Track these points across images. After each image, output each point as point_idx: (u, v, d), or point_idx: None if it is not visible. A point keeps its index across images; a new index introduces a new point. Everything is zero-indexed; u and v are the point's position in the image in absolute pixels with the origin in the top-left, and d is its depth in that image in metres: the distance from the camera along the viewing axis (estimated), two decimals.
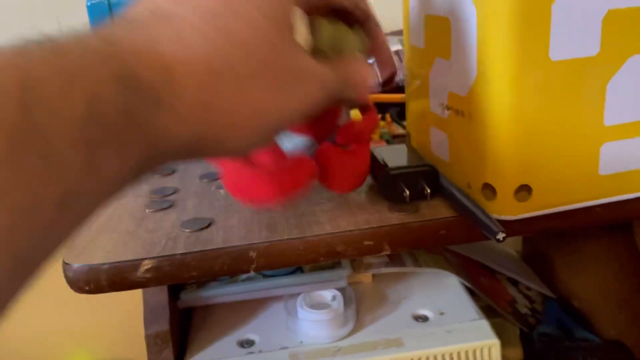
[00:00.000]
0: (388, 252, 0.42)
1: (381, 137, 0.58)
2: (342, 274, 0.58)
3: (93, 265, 0.39)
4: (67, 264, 0.40)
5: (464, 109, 0.41)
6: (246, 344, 0.56)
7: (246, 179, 0.38)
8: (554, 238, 0.77)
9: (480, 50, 0.38)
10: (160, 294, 0.52)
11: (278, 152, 0.40)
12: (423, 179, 0.43)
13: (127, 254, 0.40)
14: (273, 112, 0.29)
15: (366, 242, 0.41)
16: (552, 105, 0.37)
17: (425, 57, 0.46)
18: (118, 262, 0.39)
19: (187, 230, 0.43)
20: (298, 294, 0.57)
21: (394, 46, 0.66)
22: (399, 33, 0.72)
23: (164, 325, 0.51)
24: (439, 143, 0.46)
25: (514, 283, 0.78)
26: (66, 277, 0.40)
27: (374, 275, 0.64)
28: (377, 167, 0.46)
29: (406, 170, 0.44)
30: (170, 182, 0.54)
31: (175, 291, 0.57)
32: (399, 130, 0.61)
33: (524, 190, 0.39)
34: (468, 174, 0.42)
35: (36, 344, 0.86)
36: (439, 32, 0.43)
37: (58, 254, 0.40)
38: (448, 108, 0.43)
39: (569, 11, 0.35)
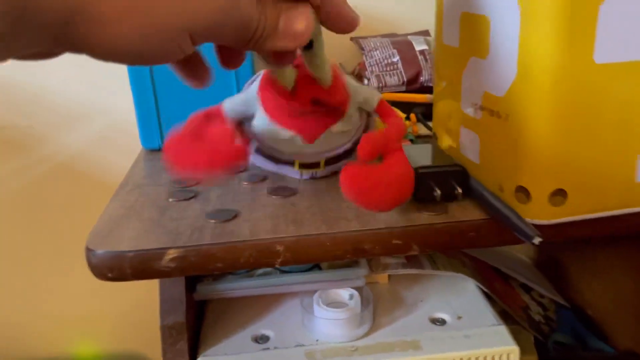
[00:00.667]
0: (416, 253, 0.41)
1: (406, 137, 0.57)
2: (360, 273, 0.58)
3: (117, 252, 0.39)
4: (90, 249, 0.39)
5: (500, 110, 0.40)
6: (260, 339, 0.55)
7: (183, 149, 0.39)
8: (569, 245, 0.76)
9: (522, 50, 0.37)
10: (177, 285, 0.51)
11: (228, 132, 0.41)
12: (453, 179, 0.43)
13: (151, 243, 0.39)
14: (165, 11, 0.25)
15: (395, 241, 0.40)
16: (593, 109, 0.37)
17: (459, 57, 0.46)
18: (143, 250, 0.39)
19: (212, 221, 0.42)
20: (314, 292, 0.57)
21: (419, 46, 0.65)
22: (423, 33, 0.71)
23: (180, 317, 0.51)
24: (469, 144, 0.46)
25: (527, 290, 0.78)
26: (89, 263, 0.39)
27: (390, 276, 0.64)
28: None
29: (436, 169, 0.43)
30: None
31: (191, 283, 0.56)
32: (423, 130, 0.60)
33: (559, 195, 0.38)
34: (500, 176, 0.41)
35: (41, 331, 0.85)
36: (476, 31, 0.42)
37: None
38: (482, 108, 0.43)
39: (617, 13, 0.35)
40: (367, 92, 0.46)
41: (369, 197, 0.38)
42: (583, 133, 0.37)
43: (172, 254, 0.39)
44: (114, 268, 0.39)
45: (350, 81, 0.47)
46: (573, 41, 0.35)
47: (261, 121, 0.46)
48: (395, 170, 0.39)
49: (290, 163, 0.49)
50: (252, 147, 0.49)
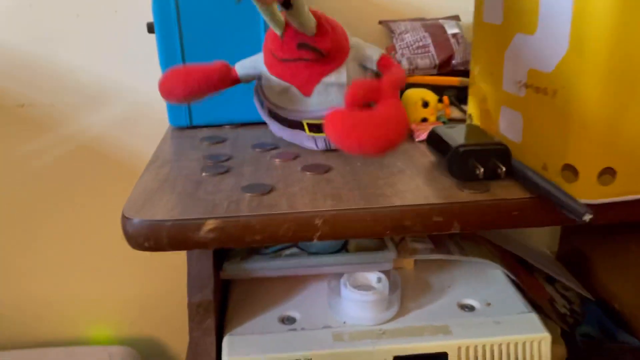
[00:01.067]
0: (457, 231, 0.40)
1: (438, 119, 0.56)
2: (388, 257, 0.57)
3: (155, 221, 0.38)
4: (127, 218, 0.38)
5: (548, 86, 0.39)
6: (287, 320, 0.54)
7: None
8: (594, 238, 0.75)
9: (575, 23, 0.36)
10: (205, 262, 0.51)
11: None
12: (495, 157, 0.42)
13: (189, 213, 0.39)
14: None
15: (435, 219, 0.40)
16: None
17: (502, 34, 0.45)
18: (181, 219, 0.38)
19: (248, 194, 0.42)
20: (341, 274, 0.56)
21: (451, 29, 0.64)
22: (453, 18, 0.70)
23: (208, 295, 0.50)
24: (510, 123, 0.45)
25: (551, 282, 0.77)
26: (125, 232, 0.39)
27: (415, 262, 0.63)
28: (442, 143, 0.45)
29: (478, 147, 0.42)
30: (222, 149, 0.53)
31: (217, 262, 0.55)
32: (455, 113, 0.59)
33: (607, 174, 0.37)
34: (545, 155, 0.41)
35: (59, 312, 0.85)
36: (524, 7, 0.41)
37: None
38: (526, 86, 0.42)
39: None
40: (368, 48, 0.48)
41: (350, 137, 0.37)
42: (636, 110, 0.36)
43: (210, 224, 0.38)
44: (151, 237, 0.38)
45: (354, 38, 0.49)
46: (630, 14, 0.34)
47: (265, 78, 0.49)
48: (382, 112, 0.38)
49: (301, 127, 0.49)
50: (265, 110, 0.51)
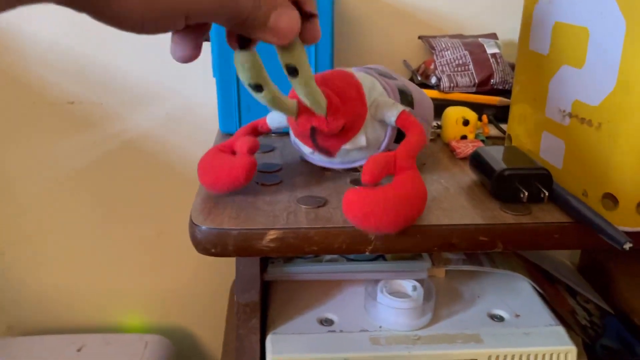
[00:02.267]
0: (500, 250, 0.43)
1: (476, 137, 0.59)
2: (424, 266, 0.60)
3: (222, 229, 0.41)
4: (196, 225, 0.42)
5: (593, 118, 0.42)
6: (325, 322, 0.57)
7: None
8: (616, 252, 0.77)
9: (624, 62, 0.38)
10: (253, 265, 0.54)
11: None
12: (538, 182, 0.44)
13: (252, 223, 0.42)
14: None
15: (481, 238, 0.42)
16: None
17: (548, 64, 0.47)
18: (246, 229, 0.41)
19: (304, 207, 0.45)
20: (377, 281, 0.59)
21: (491, 49, 0.66)
22: (491, 36, 0.72)
23: (254, 296, 0.53)
24: (552, 149, 0.47)
25: (572, 294, 0.79)
26: (193, 237, 0.42)
27: (447, 271, 0.66)
28: (486, 165, 0.47)
29: (522, 171, 0.45)
30: (272, 159, 0.56)
31: (261, 264, 0.58)
32: (493, 132, 0.61)
33: None
34: (586, 182, 0.43)
35: (95, 300, 0.89)
36: (572, 41, 0.44)
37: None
38: (571, 115, 0.44)
39: None
40: (386, 107, 0.47)
41: (369, 221, 0.39)
42: None
43: (272, 234, 0.41)
44: (218, 244, 0.41)
45: (374, 96, 0.48)
46: None
47: (292, 136, 0.50)
48: (396, 193, 0.39)
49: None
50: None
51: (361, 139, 0.47)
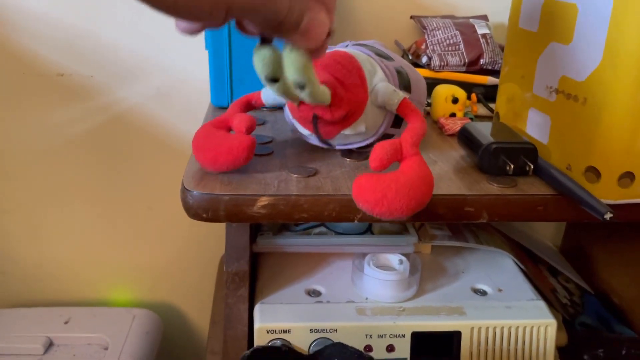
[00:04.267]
0: (485, 220, 0.44)
1: (465, 114, 0.60)
2: (410, 241, 0.61)
3: (214, 194, 0.42)
4: (187, 190, 0.42)
5: (578, 94, 0.43)
6: (313, 293, 0.58)
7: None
8: (597, 234, 0.79)
9: (610, 37, 0.39)
10: (243, 236, 0.54)
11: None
12: (524, 156, 0.45)
13: (244, 189, 0.42)
14: None
15: (467, 209, 0.43)
16: None
17: (537, 41, 0.48)
18: (237, 195, 0.42)
19: (295, 175, 0.45)
20: (365, 254, 0.60)
21: (481, 29, 0.67)
22: (482, 17, 0.73)
23: (244, 265, 0.54)
24: (538, 124, 0.48)
25: (554, 274, 0.81)
26: (185, 202, 0.42)
27: (433, 247, 0.67)
28: (474, 140, 0.48)
29: (508, 145, 0.46)
30: (264, 131, 0.56)
31: (251, 236, 0.59)
32: (482, 110, 0.62)
33: (627, 177, 0.41)
34: (570, 156, 0.44)
35: (83, 273, 0.89)
36: (560, 17, 0.45)
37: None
38: (557, 91, 0.45)
39: None
40: (387, 95, 0.47)
41: (381, 207, 0.39)
42: None
43: (263, 201, 0.42)
44: (210, 209, 0.42)
45: (375, 82, 0.48)
46: None
47: (288, 113, 0.50)
48: (407, 177, 0.40)
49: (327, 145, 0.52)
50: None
51: (361, 125, 0.48)
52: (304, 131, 0.49)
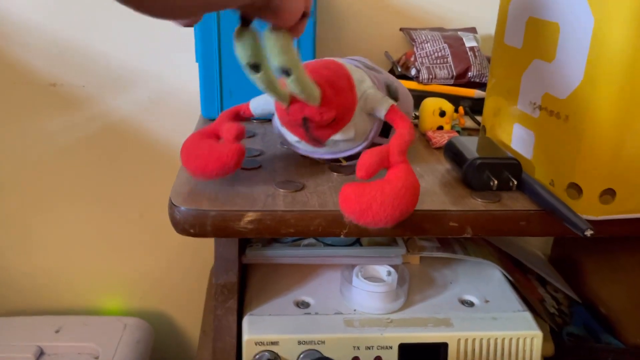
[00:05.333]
0: (469, 235, 0.45)
1: (452, 127, 0.61)
2: (398, 252, 0.61)
3: (200, 210, 0.42)
4: (175, 205, 0.42)
5: (561, 111, 0.43)
6: (302, 304, 0.59)
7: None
8: (585, 244, 0.80)
9: (592, 56, 0.40)
10: (231, 248, 0.55)
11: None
12: (507, 171, 0.46)
13: (230, 205, 0.43)
14: None
15: (451, 224, 0.44)
16: None
17: (521, 58, 0.49)
18: (224, 210, 0.42)
19: (282, 190, 0.46)
20: (353, 266, 0.60)
21: (469, 42, 0.68)
22: (471, 30, 0.74)
23: (232, 277, 0.54)
24: (522, 139, 0.49)
25: (542, 284, 0.82)
26: (173, 218, 0.43)
27: (421, 258, 0.67)
28: (459, 154, 0.49)
29: (492, 160, 0.46)
30: (253, 144, 0.57)
31: (240, 248, 0.59)
32: (469, 123, 0.63)
33: (608, 194, 0.42)
34: (553, 172, 0.45)
35: (73, 282, 0.89)
36: (543, 35, 0.45)
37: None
38: (541, 108, 0.46)
39: None
40: (376, 101, 0.48)
41: (366, 216, 0.40)
42: (636, 141, 0.41)
43: (250, 216, 0.42)
44: (196, 225, 0.42)
45: (363, 88, 0.48)
46: None
47: (277, 121, 0.50)
48: (392, 187, 0.40)
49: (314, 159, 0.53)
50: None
51: (350, 131, 0.48)
52: (293, 138, 0.49)
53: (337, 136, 0.48)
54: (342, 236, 0.44)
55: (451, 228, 0.44)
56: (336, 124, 0.47)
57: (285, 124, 0.49)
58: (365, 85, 0.49)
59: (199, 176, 0.45)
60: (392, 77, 0.54)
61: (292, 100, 0.45)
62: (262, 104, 0.51)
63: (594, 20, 0.40)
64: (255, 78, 0.40)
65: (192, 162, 0.45)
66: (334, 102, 0.45)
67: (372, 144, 0.50)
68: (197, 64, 0.62)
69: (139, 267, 0.90)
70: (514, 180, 0.45)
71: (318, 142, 0.48)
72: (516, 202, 0.45)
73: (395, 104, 0.48)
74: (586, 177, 0.42)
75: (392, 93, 0.52)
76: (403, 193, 0.40)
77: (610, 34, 0.39)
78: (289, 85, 0.41)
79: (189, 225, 0.42)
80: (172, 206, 0.43)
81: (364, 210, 0.39)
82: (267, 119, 0.64)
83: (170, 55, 0.77)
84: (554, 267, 0.87)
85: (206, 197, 0.44)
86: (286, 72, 0.39)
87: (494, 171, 0.46)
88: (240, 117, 0.52)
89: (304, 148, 0.50)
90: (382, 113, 0.48)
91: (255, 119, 0.64)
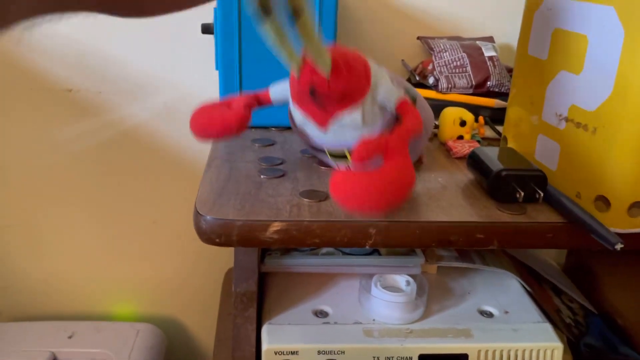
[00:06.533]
0: (495, 247, 0.44)
1: (472, 137, 0.60)
2: (417, 262, 0.61)
3: (227, 220, 0.42)
4: (201, 215, 0.42)
5: (589, 123, 0.43)
6: (320, 314, 0.59)
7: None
8: (600, 254, 0.80)
9: (621, 69, 0.40)
10: (252, 256, 0.55)
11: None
12: (533, 183, 0.46)
13: (256, 215, 0.43)
14: None
15: (478, 235, 0.44)
16: None
17: (546, 69, 0.49)
18: (250, 220, 0.42)
19: (306, 200, 0.46)
20: (372, 275, 0.60)
21: (488, 52, 0.68)
22: (488, 39, 0.74)
23: (252, 286, 0.54)
24: (547, 151, 0.49)
25: (557, 294, 0.81)
26: (198, 227, 0.42)
27: (439, 268, 0.67)
28: (483, 165, 0.49)
29: (518, 172, 0.46)
30: (273, 152, 0.57)
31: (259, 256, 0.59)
32: (489, 133, 0.63)
33: (636, 207, 0.42)
34: (579, 185, 0.45)
35: (87, 289, 0.89)
36: (570, 47, 0.45)
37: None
38: (567, 120, 0.46)
39: None
40: (388, 92, 0.46)
41: (352, 203, 0.39)
42: None
43: (276, 226, 0.42)
44: (222, 234, 0.42)
45: (378, 78, 0.47)
46: None
47: (291, 104, 0.50)
48: (384, 177, 0.39)
49: (323, 151, 0.51)
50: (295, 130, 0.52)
51: (357, 114, 0.46)
52: (300, 119, 0.48)
53: (344, 117, 0.46)
54: (367, 246, 0.44)
55: (477, 240, 0.44)
56: (344, 100, 0.45)
57: (295, 97, 0.48)
58: (382, 77, 0.47)
59: (201, 135, 0.46)
60: (414, 88, 0.54)
61: (303, 67, 0.44)
62: (280, 90, 0.50)
63: (624, 32, 0.39)
64: (265, 28, 0.37)
65: (197, 122, 0.46)
66: (344, 75, 0.44)
67: None
68: (214, 71, 0.62)
69: (152, 273, 0.90)
70: (540, 192, 0.45)
71: (324, 119, 0.47)
72: (542, 214, 0.45)
73: (408, 98, 0.46)
74: (614, 190, 0.42)
75: (410, 94, 0.50)
76: (393, 185, 0.39)
77: None
78: (299, 35, 0.38)
79: (215, 235, 0.42)
80: (197, 215, 0.43)
81: (349, 198, 0.39)
82: (285, 127, 0.64)
83: (185, 61, 0.78)
84: (569, 276, 0.87)
85: (231, 207, 0.44)
86: (295, 14, 0.37)
87: (519, 182, 0.46)
88: (259, 101, 0.51)
89: (311, 133, 0.49)
90: (392, 104, 0.46)
91: (274, 127, 0.65)
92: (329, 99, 0.45)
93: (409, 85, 0.53)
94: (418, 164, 0.55)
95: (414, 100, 0.52)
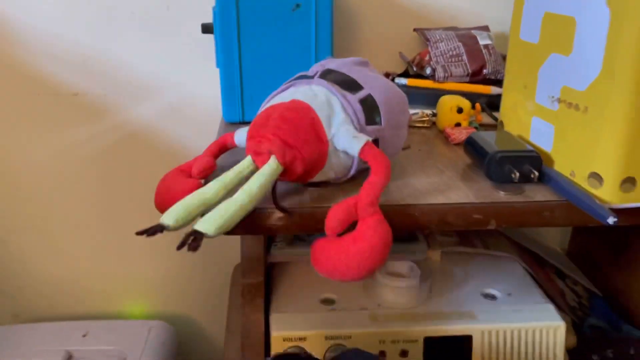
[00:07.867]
0: (493, 227, 0.45)
1: (470, 124, 0.62)
2: (421, 248, 0.63)
3: None
4: None
5: (580, 102, 0.44)
6: (326, 301, 0.60)
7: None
8: (603, 237, 0.81)
9: (609, 48, 0.41)
10: (257, 247, 0.56)
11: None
12: (528, 163, 0.47)
13: (261, 202, 0.44)
14: None
15: (475, 216, 0.45)
16: None
17: (538, 52, 0.50)
18: (254, 208, 0.43)
19: (309, 187, 0.47)
20: None
21: (483, 40, 0.69)
22: (484, 28, 0.75)
23: (259, 276, 0.55)
24: (542, 133, 0.50)
25: (561, 277, 0.82)
26: None
27: (442, 253, 0.68)
28: (480, 149, 0.50)
29: (514, 154, 0.47)
30: None
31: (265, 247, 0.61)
32: (486, 119, 0.64)
33: (629, 182, 0.43)
34: (573, 163, 0.46)
35: (97, 288, 0.91)
36: (560, 30, 0.46)
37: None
38: (560, 101, 0.47)
39: None
40: (347, 143, 0.44)
41: (329, 270, 0.40)
42: None
43: (280, 213, 0.43)
44: None
45: (334, 127, 0.45)
46: None
47: None
48: (359, 246, 0.39)
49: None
50: None
51: (329, 173, 0.46)
52: None
53: (315, 180, 0.47)
54: None
55: (475, 220, 0.45)
56: (308, 174, 0.45)
57: None
58: (337, 121, 0.45)
59: (164, 210, 0.45)
60: (378, 83, 0.49)
61: None
62: (243, 137, 0.50)
63: (610, 12, 0.41)
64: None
65: (159, 197, 0.47)
66: (298, 160, 0.43)
67: (362, 170, 0.47)
68: (216, 71, 0.64)
69: (162, 272, 0.91)
70: (535, 172, 0.46)
71: (301, 181, 0.47)
72: (538, 194, 0.46)
73: (370, 140, 0.44)
74: (607, 166, 0.43)
75: (370, 111, 0.47)
76: (368, 251, 0.39)
77: (626, 26, 0.40)
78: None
79: None
80: None
81: (331, 271, 0.40)
82: None
83: (189, 62, 0.79)
84: (572, 260, 0.88)
85: None
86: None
87: (515, 164, 0.47)
88: (227, 147, 0.51)
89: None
90: (355, 151, 0.44)
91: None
92: (298, 178, 0.45)
93: (373, 85, 0.48)
94: (405, 150, 0.57)
95: (372, 105, 0.47)
